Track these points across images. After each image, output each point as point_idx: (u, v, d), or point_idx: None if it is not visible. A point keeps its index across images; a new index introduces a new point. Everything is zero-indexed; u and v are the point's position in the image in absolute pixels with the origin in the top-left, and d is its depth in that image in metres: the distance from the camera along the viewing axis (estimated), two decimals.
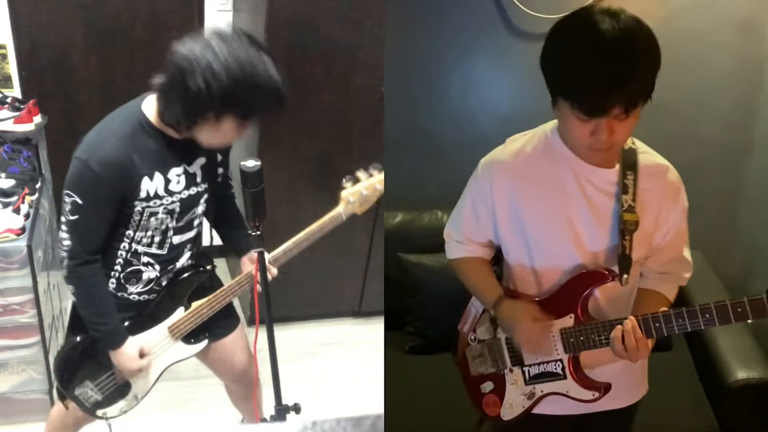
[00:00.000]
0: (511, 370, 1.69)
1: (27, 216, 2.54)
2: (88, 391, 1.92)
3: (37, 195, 2.72)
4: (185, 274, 1.92)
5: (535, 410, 1.67)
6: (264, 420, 1.93)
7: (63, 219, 1.72)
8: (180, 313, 1.94)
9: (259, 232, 1.57)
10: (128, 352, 1.86)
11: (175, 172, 1.75)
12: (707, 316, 1.41)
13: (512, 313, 1.60)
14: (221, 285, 1.97)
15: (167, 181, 1.74)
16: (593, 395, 1.59)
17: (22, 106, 2.83)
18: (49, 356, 2.61)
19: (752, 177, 2.88)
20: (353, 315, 3.48)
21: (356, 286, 3.40)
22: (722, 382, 2.25)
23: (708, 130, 2.83)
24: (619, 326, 1.46)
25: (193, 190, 1.81)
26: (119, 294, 1.87)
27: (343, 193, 1.91)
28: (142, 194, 1.71)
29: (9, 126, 2.79)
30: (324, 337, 3.37)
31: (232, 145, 1.92)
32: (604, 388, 1.58)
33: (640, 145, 1.57)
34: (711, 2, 2.68)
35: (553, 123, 1.56)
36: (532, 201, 1.54)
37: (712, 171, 2.88)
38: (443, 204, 2.78)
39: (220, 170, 1.91)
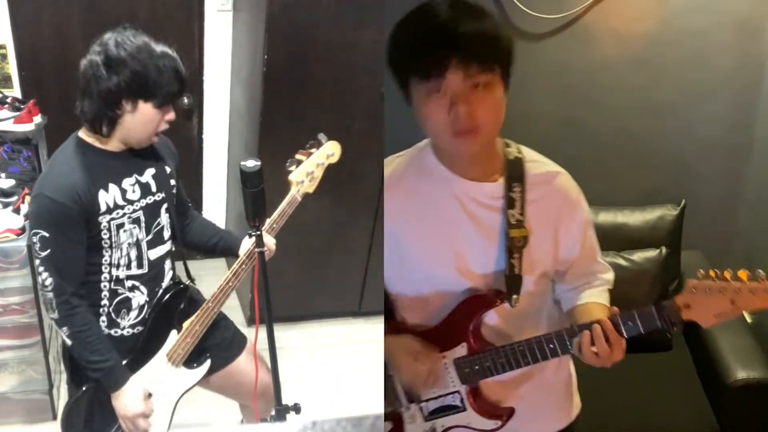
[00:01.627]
0: (407, 408, 1.57)
1: (27, 216, 2.54)
2: None
3: None
4: (167, 295, 1.89)
5: None
6: (264, 420, 1.93)
7: (37, 261, 1.71)
8: (174, 336, 1.89)
9: (259, 232, 1.57)
10: (133, 393, 1.80)
11: (129, 182, 1.78)
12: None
13: (393, 352, 1.49)
14: (204, 299, 1.93)
15: (123, 191, 1.76)
16: (496, 424, 1.50)
17: (22, 106, 2.83)
18: (49, 356, 2.61)
19: (752, 177, 2.88)
20: (353, 315, 3.48)
21: (356, 286, 3.40)
22: (722, 382, 2.25)
23: (708, 130, 2.83)
24: (587, 332, 1.34)
25: (150, 199, 1.82)
26: (113, 331, 1.83)
27: (291, 177, 1.94)
28: (102, 207, 1.72)
29: (9, 126, 2.79)
30: (324, 337, 3.37)
31: (176, 160, 1.95)
32: (507, 414, 1.50)
33: (528, 154, 1.45)
34: (711, 2, 2.68)
35: (425, 141, 1.48)
36: (409, 225, 1.44)
37: (712, 171, 2.88)
38: None
39: (173, 182, 1.91)
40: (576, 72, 2.82)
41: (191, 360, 1.94)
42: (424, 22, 1.28)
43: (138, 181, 1.80)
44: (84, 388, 1.81)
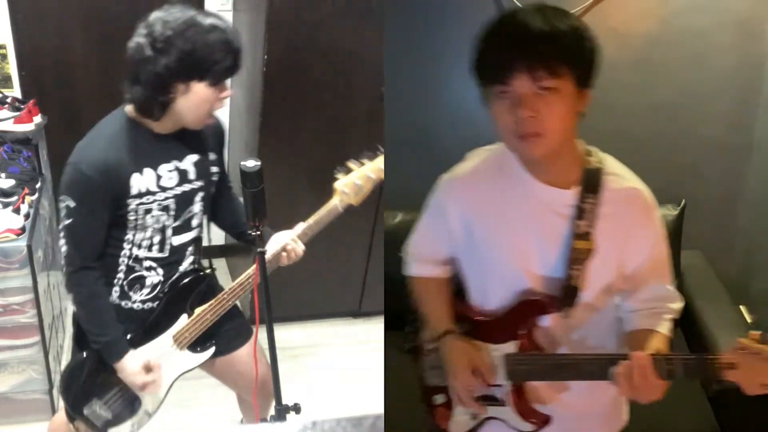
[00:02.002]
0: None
1: (27, 216, 2.54)
2: (97, 409, 1.88)
3: (37, 195, 2.72)
4: (186, 279, 1.91)
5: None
6: (264, 420, 1.93)
7: (61, 226, 1.72)
8: (184, 320, 1.92)
9: (259, 232, 1.57)
10: (131, 367, 1.83)
11: (166, 168, 1.76)
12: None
13: (453, 357, 1.52)
14: (222, 289, 1.96)
15: (158, 177, 1.75)
16: (530, 427, 1.52)
17: (22, 106, 2.83)
18: (49, 356, 2.61)
19: (752, 177, 2.88)
20: (353, 315, 3.48)
21: (356, 286, 3.40)
22: (722, 382, 2.24)
23: (708, 130, 2.83)
24: (625, 362, 1.30)
25: (186, 187, 1.81)
26: (123, 303, 1.85)
27: (337, 185, 1.91)
28: (134, 191, 1.71)
29: (9, 126, 2.79)
30: (324, 337, 3.37)
31: (224, 143, 1.94)
32: (542, 421, 1.51)
33: (611, 166, 1.43)
34: (711, 2, 2.68)
35: None
36: (483, 220, 1.48)
37: (712, 171, 2.88)
38: None
39: (215, 169, 1.90)
40: None
41: (196, 344, 1.96)
42: (496, 25, 1.31)
43: (177, 168, 1.78)
44: (85, 354, 1.85)
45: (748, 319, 2.69)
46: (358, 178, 1.92)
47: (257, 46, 2.89)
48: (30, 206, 2.60)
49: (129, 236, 1.78)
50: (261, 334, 1.57)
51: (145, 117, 1.71)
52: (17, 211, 2.50)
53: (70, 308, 1.91)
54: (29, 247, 2.43)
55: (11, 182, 2.64)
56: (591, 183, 1.39)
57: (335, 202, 1.91)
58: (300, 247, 1.92)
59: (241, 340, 2.08)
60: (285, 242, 1.90)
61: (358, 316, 3.47)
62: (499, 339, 1.53)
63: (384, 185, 3.09)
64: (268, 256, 1.86)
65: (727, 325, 2.47)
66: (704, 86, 2.79)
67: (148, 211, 1.76)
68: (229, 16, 3.38)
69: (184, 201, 1.82)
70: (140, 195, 1.73)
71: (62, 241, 1.73)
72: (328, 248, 3.28)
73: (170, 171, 1.77)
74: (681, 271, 2.74)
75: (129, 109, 1.73)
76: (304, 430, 0.92)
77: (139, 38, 1.63)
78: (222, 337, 2.03)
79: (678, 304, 1.49)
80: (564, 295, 1.41)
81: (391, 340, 2.73)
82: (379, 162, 1.96)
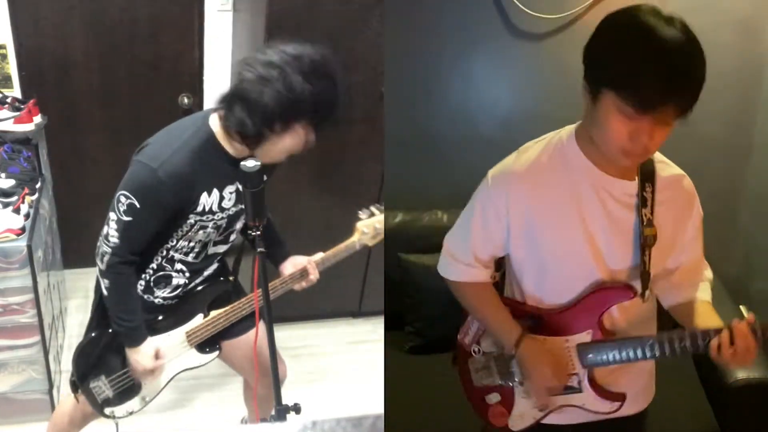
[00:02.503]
0: (521, 383, 1.66)
1: (27, 216, 2.54)
2: (101, 385, 1.95)
3: (37, 195, 2.72)
4: (208, 283, 1.97)
5: (545, 420, 1.67)
6: (264, 420, 1.94)
7: (114, 217, 1.73)
8: (199, 320, 1.97)
9: (259, 232, 1.57)
10: (145, 351, 1.88)
11: (229, 190, 1.80)
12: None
13: (532, 361, 1.57)
14: (239, 297, 2.00)
15: (221, 198, 1.79)
16: (612, 406, 1.59)
17: (22, 106, 2.83)
18: (49, 356, 2.61)
19: (752, 177, 2.88)
20: (353, 315, 3.48)
21: (356, 286, 3.40)
22: (722, 382, 2.25)
23: (708, 130, 2.83)
24: (726, 331, 1.41)
25: (239, 207, 1.85)
26: (145, 296, 1.91)
27: (359, 224, 2.00)
28: (199, 208, 1.75)
29: (9, 126, 2.79)
30: (324, 337, 3.37)
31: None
32: (622, 399, 1.58)
33: (656, 155, 1.52)
34: (711, 2, 2.68)
35: (568, 130, 1.51)
36: (550, 215, 1.48)
37: (712, 171, 2.87)
38: (443, 204, 2.78)
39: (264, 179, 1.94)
40: (576, 72, 2.82)
41: (204, 345, 2.01)
42: (656, 44, 1.27)
43: (237, 189, 1.81)
44: (100, 332, 1.90)
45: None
46: (378, 222, 2.01)
47: (257, 46, 2.89)
48: (30, 206, 2.60)
49: (173, 241, 1.82)
50: (261, 334, 1.57)
51: (229, 142, 1.71)
52: (17, 211, 2.50)
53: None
54: (29, 247, 2.43)
55: (11, 182, 2.64)
56: (647, 172, 1.49)
57: (354, 240, 2.01)
58: (315, 275, 1.98)
59: (247, 324, 2.10)
60: (304, 265, 1.96)
61: (358, 316, 3.47)
62: (571, 331, 1.56)
63: (384, 185, 3.10)
64: (286, 275, 1.94)
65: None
66: (704, 86, 2.78)
67: (203, 227, 1.80)
68: (229, 16, 3.39)
69: (233, 220, 1.87)
70: (203, 213, 1.77)
71: (114, 233, 1.73)
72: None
73: (231, 192, 1.80)
74: None
75: (214, 124, 1.72)
76: (304, 430, 0.92)
77: (271, 72, 1.60)
78: (226, 330, 2.05)
79: (710, 272, 1.66)
80: (643, 280, 1.49)
81: (391, 340, 2.73)
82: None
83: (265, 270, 1.60)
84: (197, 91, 3.49)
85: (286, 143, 1.71)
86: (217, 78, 3.49)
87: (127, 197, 1.69)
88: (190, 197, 1.71)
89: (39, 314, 2.52)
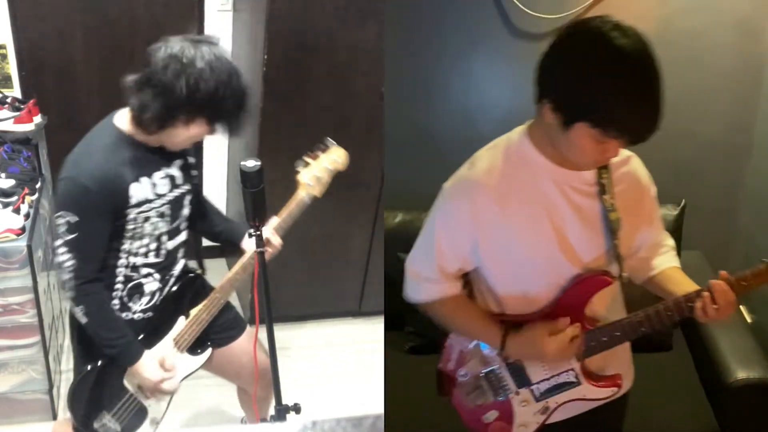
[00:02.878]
0: (517, 393, 1.66)
1: (27, 216, 2.54)
2: (107, 423, 1.89)
3: (37, 195, 2.72)
4: (179, 283, 1.93)
5: (549, 420, 1.68)
6: (264, 420, 1.94)
7: (60, 242, 1.71)
8: (182, 322, 1.94)
9: (259, 232, 1.57)
10: (149, 364, 1.85)
11: (159, 176, 1.79)
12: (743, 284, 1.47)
13: (529, 345, 1.54)
14: (212, 288, 1.97)
15: (153, 185, 1.78)
16: (612, 391, 1.62)
17: (22, 106, 2.83)
18: (49, 356, 2.61)
19: (752, 177, 2.88)
20: (353, 315, 3.48)
21: (356, 286, 3.40)
22: (722, 382, 2.25)
23: (708, 130, 2.83)
24: (705, 293, 1.46)
25: (177, 192, 1.84)
26: (123, 315, 1.86)
27: (299, 177, 1.94)
28: (133, 201, 1.73)
29: (9, 126, 2.79)
30: (324, 337, 3.37)
31: (201, 146, 1.95)
32: (620, 380, 1.62)
33: None
34: (711, 2, 2.68)
35: (518, 132, 1.51)
36: (519, 219, 1.46)
37: (712, 171, 2.88)
38: None
39: (194, 172, 1.94)
40: None
41: (195, 347, 1.99)
42: (644, 91, 1.28)
43: (167, 174, 1.82)
44: (89, 367, 1.85)
45: (748, 319, 2.69)
46: (318, 170, 1.96)
47: (257, 46, 2.89)
48: (30, 206, 2.60)
49: (126, 245, 1.79)
50: (261, 334, 1.57)
51: (140, 129, 1.72)
52: (17, 211, 2.50)
53: (72, 340, 1.91)
54: (29, 247, 2.43)
55: (11, 182, 2.64)
56: None
57: (302, 194, 1.94)
58: (278, 240, 1.94)
59: (235, 332, 2.10)
60: (266, 236, 1.88)
61: (358, 316, 3.47)
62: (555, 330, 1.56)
63: (384, 185, 3.10)
64: (236, 267, 1.89)
65: (727, 325, 2.47)
66: (704, 86, 2.79)
67: (146, 219, 1.78)
68: (229, 16, 3.39)
69: (176, 205, 1.85)
70: (139, 204, 1.75)
71: (66, 256, 1.71)
72: (328, 248, 3.28)
73: (162, 178, 1.80)
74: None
75: (119, 122, 1.75)
76: (304, 430, 0.92)
77: (175, 64, 1.61)
78: (216, 331, 2.04)
79: (671, 239, 1.70)
80: (618, 263, 1.51)
81: (391, 340, 2.73)
82: (332, 152, 2.00)
83: (265, 270, 1.60)
84: None
85: (190, 132, 1.71)
86: None
87: (63, 216, 1.68)
88: (121, 192, 1.70)
89: (39, 314, 2.52)
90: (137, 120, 1.69)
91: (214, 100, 1.63)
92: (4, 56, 3.10)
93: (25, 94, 3.11)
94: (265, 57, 2.82)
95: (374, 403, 2.60)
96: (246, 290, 3.33)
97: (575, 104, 1.31)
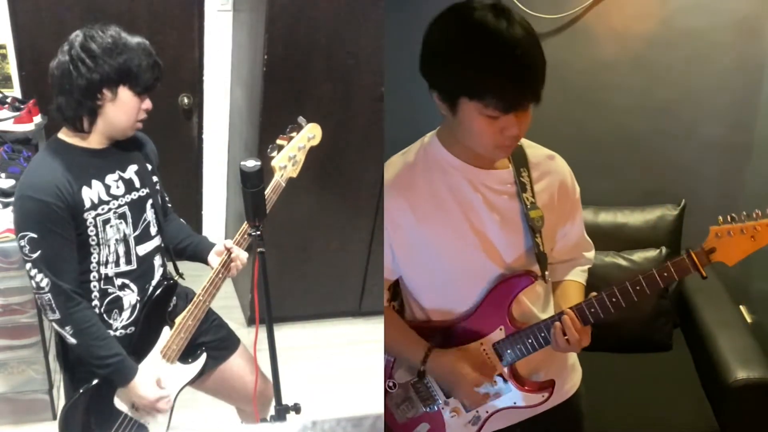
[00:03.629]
0: (447, 403, 1.61)
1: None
2: None
3: None
4: (157, 291, 1.88)
5: (484, 429, 1.63)
6: (264, 420, 1.93)
7: (29, 265, 1.69)
8: (167, 333, 1.88)
9: (259, 232, 1.57)
10: (144, 382, 1.80)
11: (112, 178, 1.78)
12: (638, 288, 1.43)
13: (448, 371, 1.53)
14: (194, 293, 1.91)
15: (107, 187, 1.76)
16: (543, 396, 1.55)
17: (22, 106, 2.83)
18: (49, 356, 2.61)
19: (752, 177, 2.88)
20: (353, 315, 3.48)
21: (356, 286, 3.40)
22: (722, 382, 2.25)
23: (708, 130, 2.83)
24: (557, 323, 1.45)
25: (135, 195, 1.82)
26: None
27: (273, 163, 1.91)
28: (87, 204, 1.71)
29: (9, 126, 2.79)
30: (324, 337, 3.37)
31: (157, 158, 1.95)
32: (551, 386, 1.56)
33: (524, 141, 1.52)
34: (711, 2, 2.68)
35: (429, 136, 1.51)
36: (434, 221, 1.45)
37: (712, 171, 2.88)
38: None
39: (155, 178, 1.91)
40: (576, 72, 2.83)
41: (186, 355, 1.93)
42: (502, 46, 1.25)
43: (121, 177, 1.80)
44: (81, 390, 1.80)
45: (748, 319, 2.69)
46: (290, 151, 1.94)
47: (257, 46, 2.89)
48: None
49: (94, 255, 1.76)
50: (261, 334, 1.57)
51: (76, 132, 1.74)
52: None
53: (57, 335, 1.88)
54: None
55: (11, 182, 2.64)
56: (519, 158, 1.50)
57: (277, 179, 1.91)
58: (243, 254, 1.87)
59: (227, 352, 2.06)
60: (227, 248, 1.85)
61: (358, 316, 3.47)
62: (483, 332, 1.54)
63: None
64: (217, 267, 1.86)
65: (727, 325, 2.47)
66: (704, 86, 2.79)
67: (106, 222, 1.75)
68: (229, 16, 3.39)
69: (137, 208, 1.83)
70: (94, 206, 1.73)
71: (38, 277, 1.68)
72: (328, 248, 3.28)
73: (116, 180, 1.79)
74: None
75: (62, 135, 1.78)
76: (304, 430, 0.92)
77: (62, 56, 1.72)
78: (208, 350, 2.00)
79: (592, 253, 1.68)
80: (540, 262, 1.49)
81: None
82: (306, 132, 1.99)
83: (265, 270, 1.60)
84: (197, 91, 3.49)
85: (120, 110, 1.73)
86: (217, 78, 3.50)
87: (23, 236, 1.67)
88: (73, 197, 1.69)
89: (39, 314, 2.52)
90: (71, 125, 1.74)
91: (112, 61, 1.68)
92: (4, 56, 3.10)
93: (25, 94, 3.11)
94: (265, 57, 2.82)
95: (374, 403, 2.59)
96: (246, 290, 3.33)
97: (449, 82, 1.32)
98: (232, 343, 2.09)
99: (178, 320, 1.88)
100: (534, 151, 1.53)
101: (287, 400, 1.55)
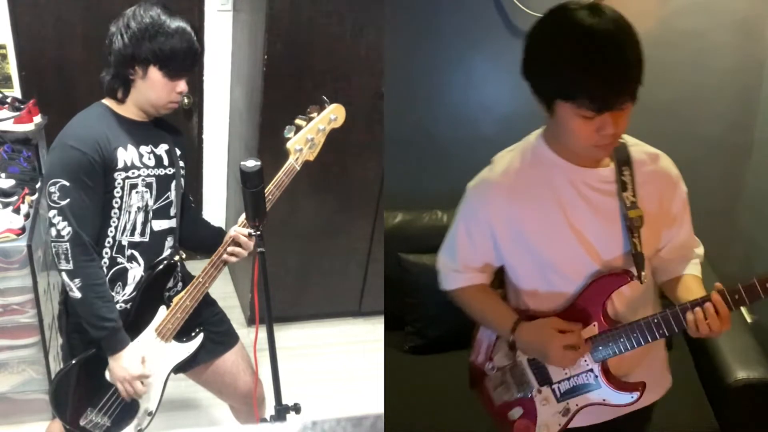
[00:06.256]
0: (539, 391, 1.65)
1: (27, 216, 2.54)
2: (93, 418, 1.87)
3: (37, 195, 2.72)
4: (157, 269, 1.88)
5: (572, 424, 1.65)
6: (264, 420, 1.93)
7: (53, 212, 1.72)
8: (163, 312, 1.89)
9: (259, 232, 1.57)
10: (131, 356, 1.81)
11: (145, 149, 1.84)
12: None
13: (536, 335, 1.54)
14: (192, 276, 1.92)
15: (140, 155, 1.82)
16: (632, 397, 1.57)
17: (22, 106, 2.83)
18: (49, 356, 2.61)
19: (752, 177, 2.88)
20: (353, 315, 3.48)
21: (356, 286, 3.41)
22: (722, 382, 2.25)
23: (708, 130, 2.83)
24: (699, 308, 1.43)
25: (162, 171, 1.86)
26: None
27: (289, 145, 1.88)
28: (120, 164, 1.77)
29: (9, 126, 2.79)
30: (324, 337, 3.37)
31: (186, 141, 1.99)
32: (642, 387, 1.58)
33: (628, 139, 1.55)
34: (711, 2, 2.68)
35: (536, 134, 1.54)
36: (534, 217, 1.49)
37: (712, 171, 2.88)
38: (443, 204, 2.78)
39: (182, 163, 1.95)
40: None
41: (181, 334, 1.94)
42: (594, 45, 1.27)
43: (153, 151, 1.85)
44: (74, 361, 1.84)
45: (748, 319, 2.69)
46: (309, 132, 1.91)
47: (257, 46, 2.89)
48: (30, 206, 2.60)
49: (114, 221, 1.80)
50: (261, 334, 1.57)
51: (112, 98, 1.83)
52: (17, 211, 2.50)
53: (63, 288, 1.88)
54: (29, 247, 2.43)
55: (11, 182, 2.64)
56: (622, 157, 1.50)
57: (291, 161, 1.89)
58: (244, 242, 1.86)
59: (223, 347, 2.07)
60: (231, 236, 1.85)
61: (358, 316, 3.47)
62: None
63: (384, 185, 3.10)
64: (219, 248, 1.86)
65: None
66: (704, 86, 2.79)
67: (133, 187, 1.80)
68: (229, 16, 3.39)
69: (163, 184, 1.87)
70: (126, 168, 1.78)
71: (62, 224, 1.72)
72: (328, 248, 3.28)
73: (148, 152, 1.84)
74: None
75: (105, 100, 1.86)
76: (304, 430, 0.92)
77: (112, 27, 1.79)
78: (205, 342, 2.01)
79: (701, 249, 1.67)
80: (636, 263, 1.49)
81: (391, 340, 2.73)
82: (328, 112, 1.95)
83: (265, 270, 1.60)
84: (197, 91, 3.49)
85: (149, 87, 1.79)
86: (217, 78, 3.50)
87: (54, 183, 1.72)
88: (107, 154, 1.75)
89: (39, 314, 2.52)
90: (108, 92, 1.83)
91: (147, 43, 1.74)
92: (4, 56, 3.10)
93: (25, 94, 3.11)
94: (265, 57, 2.82)
95: (374, 403, 2.60)
96: (246, 290, 3.33)
97: (543, 84, 1.36)
98: (230, 339, 2.10)
99: (176, 300, 1.89)
100: (639, 149, 1.54)
101: (287, 400, 1.55)
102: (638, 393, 1.57)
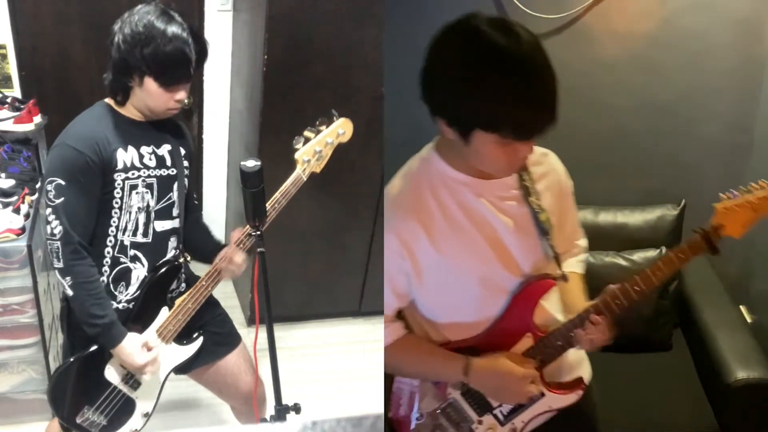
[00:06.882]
0: (480, 422, 1.58)
1: (27, 216, 2.54)
2: (90, 416, 1.87)
3: (37, 195, 2.72)
4: (160, 270, 1.88)
5: None
6: (264, 420, 1.93)
7: (49, 210, 1.74)
8: (165, 313, 1.90)
9: (259, 232, 1.57)
10: (132, 345, 1.82)
11: (146, 150, 1.83)
12: (657, 272, 1.49)
13: (492, 373, 1.48)
14: (197, 277, 1.93)
15: (141, 156, 1.81)
16: (577, 395, 1.55)
17: (22, 106, 2.83)
18: (49, 356, 2.61)
19: (752, 177, 2.88)
20: (353, 315, 3.48)
21: (356, 286, 3.41)
22: (722, 382, 2.25)
23: (708, 130, 2.83)
24: (587, 321, 1.45)
25: (164, 171, 1.86)
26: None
27: (297, 155, 1.89)
28: (119, 165, 1.77)
29: (9, 126, 2.79)
30: (324, 337, 3.37)
31: (190, 141, 1.98)
32: (582, 383, 1.56)
33: None
34: (711, 2, 2.68)
35: (426, 151, 1.47)
36: (450, 242, 1.41)
37: (712, 171, 2.88)
38: None
39: (186, 163, 1.94)
40: (576, 72, 2.82)
41: (182, 336, 1.94)
42: (513, 78, 1.19)
43: (155, 152, 1.85)
44: (72, 358, 1.84)
45: (748, 319, 2.69)
46: (317, 144, 1.92)
47: (257, 46, 2.89)
48: (30, 206, 2.60)
49: (114, 220, 1.80)
50: (261, 334, 1.57)
51: (113, 99, 1.82)
52: (17, 211, 2.50)
53: (64, 336, 1.90)
54: (29, 247, 2.43)
55: (11, 182, 2.64)
56: None
57: (299, 172, 1.90)
58: (241, 258, 1.86)
59: (226, 348, 2.07)
60: (226, 252, 1.86)
61: (358, 316, 3.47)
62: (510, 342, 1.51)
63: (384, 185, 3.09)
64: (242, 236, 1.86)
65: (727, 325, 2.47)
66: (704, 86, 2.79)
67: (133, 188, 1.79)
68: (229, 16, 3.39)
69: (165, 184, 1.86)
70: (125, 169, 1.78)
71: (54, 223, 1.73)
72: (328, 248, 3.28)
73: (150, 153, 1.84)
74: (681, 271, 2.74)
75: (108, 100, 1.85)
76: (304, 430, 0.92)
77: (115, 26, 1.76)
78: (207, 343, 2.01)
79: (585, 241, 1.69)
80: (558, 263, 1.50)
81: None
82: (336, 126, 1.95)
83: (265, 270, 1.60)
84: (197, 91, 3.49)
85: (145, 95, 1.76)
86: (217, 78, 3.50)
87: (51, 182, 1.73)
88: (106, 155, 1.74)
89: (39, 314, 2.52)
90: (110, 94, 1.82)
91: (142, 54, 1.70)
92: (4, 56, 3.10)
93: (25, 94, 3.11)
94: (265, 57, 2.82)
95: (374, 403, 2.60)
96: (246, 290, 3.33)
97: (464, 114, 1.26)
98: (232, 340, 2.10)
99: (178, 302, 1.90)
100: None
101: (287, 400, 1.55)
102: (580, 389, 1.56)
